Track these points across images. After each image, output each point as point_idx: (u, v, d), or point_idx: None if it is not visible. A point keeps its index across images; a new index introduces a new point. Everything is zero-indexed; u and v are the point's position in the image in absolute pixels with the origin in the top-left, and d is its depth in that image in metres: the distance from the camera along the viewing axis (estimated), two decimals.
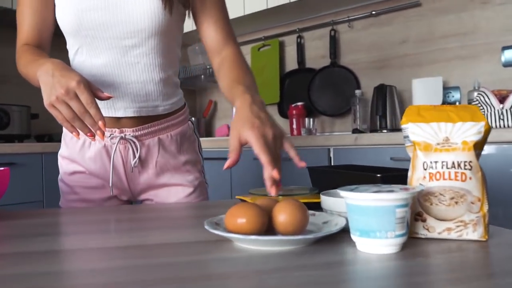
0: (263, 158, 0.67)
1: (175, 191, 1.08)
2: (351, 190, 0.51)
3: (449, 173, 0.54)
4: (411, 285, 0.38)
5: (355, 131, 2.30)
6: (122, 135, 0.99)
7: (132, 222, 0.73)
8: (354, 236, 0.51)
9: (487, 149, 1.60)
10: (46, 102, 0.78)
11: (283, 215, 0.54)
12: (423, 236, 0.55)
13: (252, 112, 0.74)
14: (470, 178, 0.53)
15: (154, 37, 0.96)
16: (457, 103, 2.03)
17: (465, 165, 0.53)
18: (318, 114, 2.69)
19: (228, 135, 2.85)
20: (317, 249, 0.52)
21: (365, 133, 2.16)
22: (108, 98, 0.81)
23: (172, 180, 1.07)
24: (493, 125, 1.68)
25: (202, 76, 2.99)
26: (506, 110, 1.59)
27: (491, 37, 2.17)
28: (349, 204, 0.51)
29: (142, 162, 1.03)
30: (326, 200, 0.63)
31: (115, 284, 0.40)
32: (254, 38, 3.01)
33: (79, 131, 0.79)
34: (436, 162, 0.54)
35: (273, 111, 2.94)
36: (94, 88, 0.81)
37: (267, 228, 0.55)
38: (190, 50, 3.11)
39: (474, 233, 0.53)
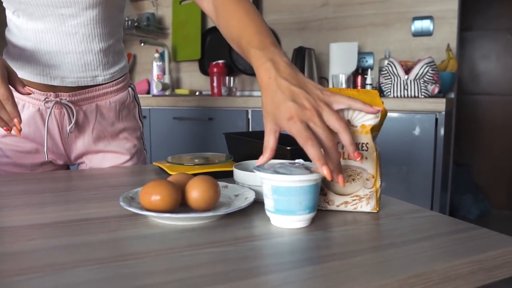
0: (311, 154, 0.52)
1: (110, 157, 1.07)
2: (265, 169, 0.55)
3: (348, 153, 0.59)
4: (315, 259, 0.43)
5: None
6: (58, 99, 0.96)
7: (54, 193, 0.72)
8: (269, 213, 0.55)
9: (394, 116, 1.73)
10: None
11: (195, 192, 0.56)
12: (323, 208, 0.61)
13: (282, 91, 0.57)
14: (366, 158, 0.59)
15: (92, 8, 0.91)
16: (370, 69, 2.14)
17: (362, 147, 0.59)
18: (238, 72, 2.71)
19: (148, 92, 2.78)
20: (229, 222, 0.55)
21: None
22: (28, 94, 0.77)
23: (108, 147, 1.06)
24: (398, 94, 1.79)
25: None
26: (410, 81, 1.71)
27: (403, 7, 2.29)
28: (270, 185, 0.53)
29: (79, 128, 1.01)
30: (238, 174, 0.67)
31: (30, 268, 0.41)
32: None
33: None
34: (338, 143, 0.60)
35: (194, 67, 2.91)
36: (15, 81, 0.76)
37: (181, 202, 0.58)
38: None
39: (367, 206, 0.60)
